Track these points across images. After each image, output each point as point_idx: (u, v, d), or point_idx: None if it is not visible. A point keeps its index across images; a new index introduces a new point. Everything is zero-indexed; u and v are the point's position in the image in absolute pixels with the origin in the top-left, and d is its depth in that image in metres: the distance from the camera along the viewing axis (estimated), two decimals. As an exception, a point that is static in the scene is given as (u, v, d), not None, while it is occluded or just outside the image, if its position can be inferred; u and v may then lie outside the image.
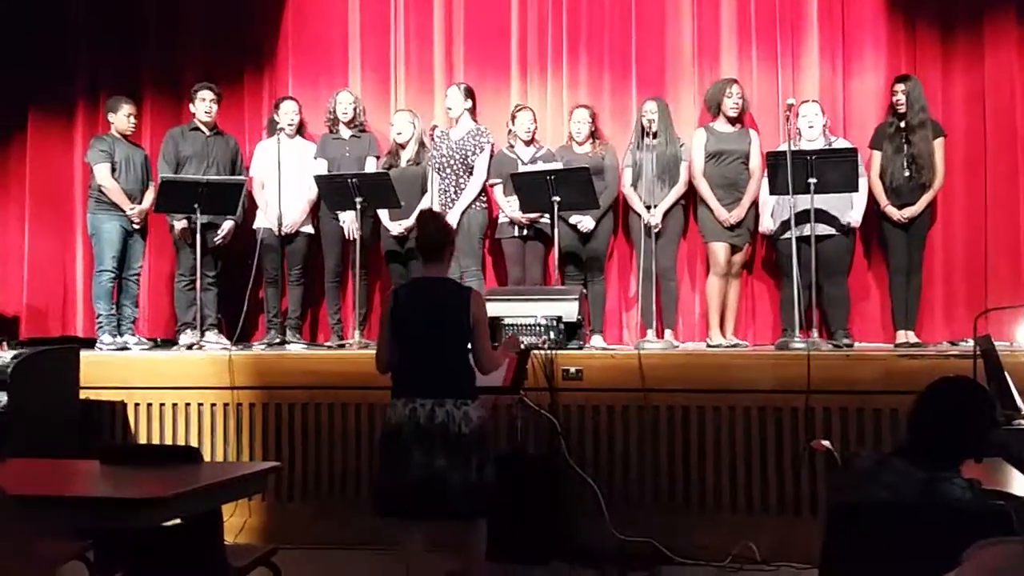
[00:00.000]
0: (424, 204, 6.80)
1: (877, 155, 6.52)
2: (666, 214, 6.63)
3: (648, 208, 6.49)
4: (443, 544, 4.42)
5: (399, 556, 4.31)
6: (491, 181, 6.89)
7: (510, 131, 6.96)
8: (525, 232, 6.77)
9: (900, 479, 2.67)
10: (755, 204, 6.66)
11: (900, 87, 6.46)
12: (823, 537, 2.68)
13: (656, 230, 6.51)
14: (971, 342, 4.73)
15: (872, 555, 2.57)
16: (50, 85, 8.03)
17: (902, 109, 6.43)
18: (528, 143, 6.91)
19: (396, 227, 6.89)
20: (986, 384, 4.39)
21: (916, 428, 2.77)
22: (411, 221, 6.80)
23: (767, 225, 6.57)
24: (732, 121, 6.74)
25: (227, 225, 7.10)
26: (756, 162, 6.62)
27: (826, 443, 4.39)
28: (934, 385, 2.82)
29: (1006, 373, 4.40)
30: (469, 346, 4.20)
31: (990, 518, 2.49)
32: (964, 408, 2.74)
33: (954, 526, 2.45)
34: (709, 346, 6.55)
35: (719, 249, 6.63)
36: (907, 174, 6.40)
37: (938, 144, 6.46)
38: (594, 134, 6.89)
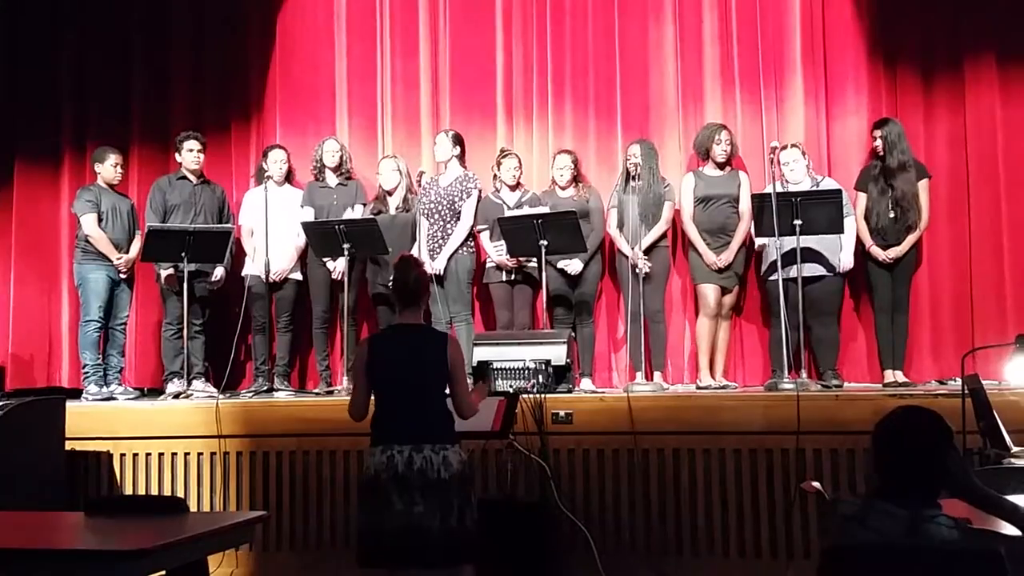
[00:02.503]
0: (414, 251, 6.81)
1: (863, 197, 6.57)
2: (652, 255, 6.64)
3: (634, 249, 6.50)
4: None
5: None
6: (478, 227, 6.92)
7: (495, 176, 7.00)
8: (513, 276, 6.78)
9: (884, 521, 2.64)
10: (743, 246, 6.69)
11: (878, 133, 6.54)
12: (815, 580, 2.65)
13: (646, 269, 6.52)
14: (959, 381, 4.72)
15: (864, 598, 2.54)
16: (36, 135, 8.06)
17: (882, 153, 6.50)
18: (513, 188, 6.94)
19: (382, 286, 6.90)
20: (976, 423, 4.39)
21: (880, 466, 2.73)
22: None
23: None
24: (721, 165, 6.79)
25: (219, 271, 7.09)
26: (745, 205, 6.65)
27: (816, 484, 4.37)
28: (885, 420, 2.76)
29: (995, 412, 4.40)
30: (447, 391, 4.17)
31: (981, 560, 2.47)
32: (918, 437, 2.70)
33: (944, 568, 2.43)
34: (699, 388, 6.54)
35: (709, 291, 6.65)
36: (892, 216, 6.44)
37: (922, 186, 6.52)
38: (577, 178, 6.93)
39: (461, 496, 4.05)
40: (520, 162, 7.01)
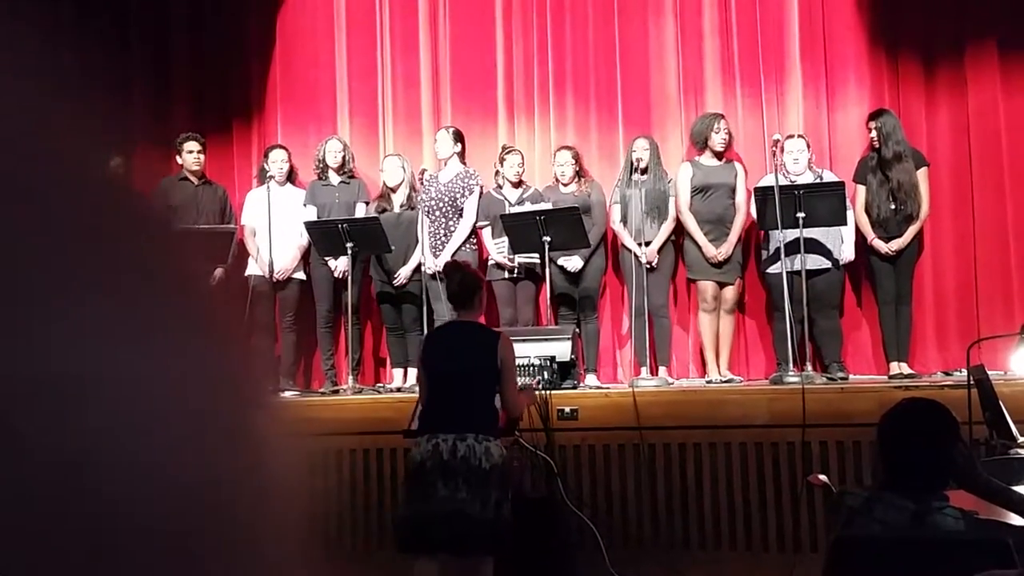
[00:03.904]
0: (418, 249, 6.83)
1: (862, 189, 6.56)
2: (659, 250, 6.65)
3: (640, 244, 6.50)
4: None
5: None
6: (479, 224, 6.92)
7: (498, 172, 6.99)
8: (516, 273, 6.78)
9: (891, 513, 2.64)
10: (740, 239, 6.68)
11: (872, 124, 6.52)
12: (823, 573, 2.65)
13: (651, 265, 6.54)
14: (964, 372, 4.71)
15: (871, 590, 2.55)
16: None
17: (877, 145, 6.49)
18: (516, 185, 6.94)
19: (381, 284, 6.96)
20: (982, 414, 4.39)
21: (887, 458, 2.73)
22: (411, 267, 6.89)
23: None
24: (718, 155, 6.78)
25: (218, 272, 7.08)
26: (742, 196, 6.65)
27: (823, 477, 4.37)
28: (890, 412, 2.77)
29: (1001, 402, 4.39)
30: (495, 387, 4.33)
31: (988, 550, 2.47)
32: (924, 429, 2.70)
33: (951, 558, 2.44)
34: (707, 383, 6.52)
35: (706, 286, 6.65)
36: (892, 206, 6.43)
37: (921, 174, 6.50)
38: (579, 173, 6.93)
39: (500, 488, 4.19)
40: (523, 158, 7.01)
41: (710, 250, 6.57)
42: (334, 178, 7.28)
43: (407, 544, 4.26)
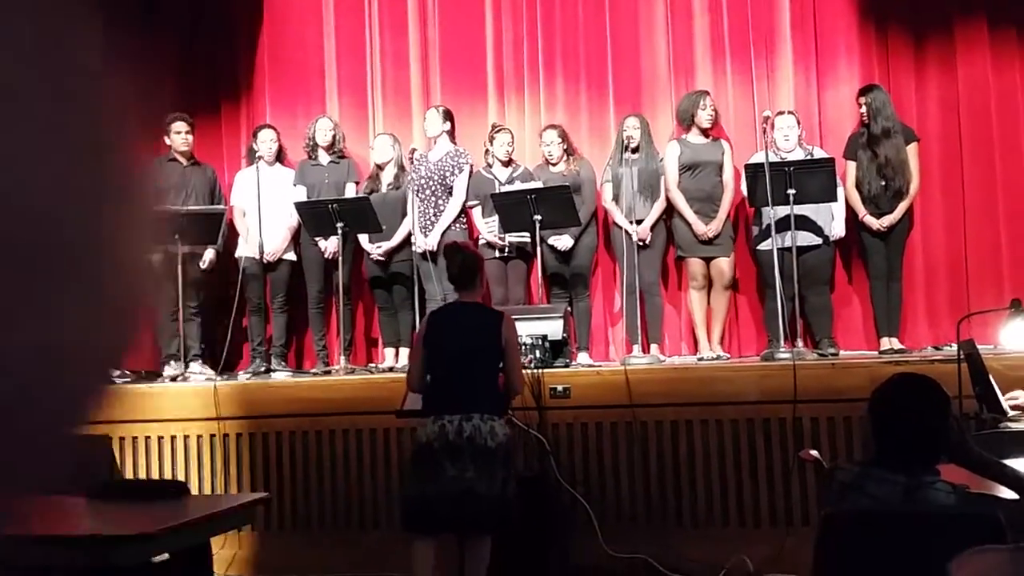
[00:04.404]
0: (404, 227, 6.81)
1: (852, 165, 6.56)
2: (650, 228, 6.65)
3: (632, 222, 6.50)
4: (447, 563, 4.43)
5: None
6: (469, 203, 6.90)
7: (487, 151, 6.97)
8: (507, 252, 6.77)
9: (882, 488, 2.66)
10: (729, 217, 6.69)
11: (863, 99, 6.52)
12: (814, 548, 2.67)
13: (643, 243, 6.54)
14: (955, 347, 4.74)
15: (863, 564, 2.57)
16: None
17: (867, 120, 6.49)
18: (506, 164, 6.92)
19: (374, 249, 6.90)
20: (972, 388, 4.41)
21: (878, 434, 2.74)
22: (392, 244, 6.83)
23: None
24: (705, 133, 6.78)
25: (209, 255, 7.08)
26: (729, 174, 6.65)
27: (814, 453, 4.39)
28: (881, 387, 2.78)
29: (991, 376, 4.42)
30: (499, 367, 4.38)
31: (979, 524, 2.49)
32: (915, 404, 2.71)
33: (943, 533, 2.45)
34: (699, 361, 6.53)
35: (695, 264, 6.66)
36: (882, 183, 6.44)
37: (911, 149, 6.51)
38: (567, 151, 6.91)
39: (505, 467, 4.26)
40: (513, 137, 6.99)
41: (699, 227, 6.57)
42: (323, 158, 7.25)
43: (414, 523, 4.30)
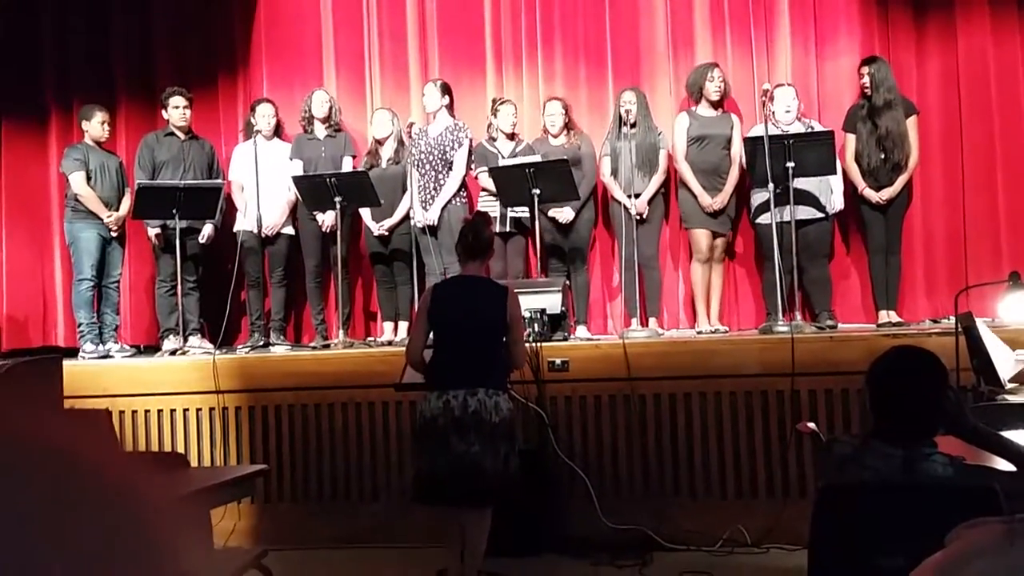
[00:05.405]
0: (404, 202, 6.79)
1: (851, 138, 6.55)
2: (648, 202, 6.64)
3: (630, 197, 6.49)
4: (448, 533, 4.46)
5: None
6: (476, 171, 6.87)
7: (491, 125, 6.94)
8: (507, 227, 6.75)
9: (880, 460, 2.66)
10: (735, 190, 6.67)
11: (865, 70, 6.50)
12: (811, 519, 2.68)
13: (642, 217, 6.53)
14: (953, 319, 4.74)
15: (859, 535, 2.58)
16: (20, 94, 7.96)
17: (869, 92, 6.47)
18: (510, 137, 6.90)
19: (376, 227, 6.88)
20: (970, 361, 4.42)
21: (875, 406, 2.74)
22: (394, 220, 6.82)
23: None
24: (714, 105, 6.75)
25: (207, 230, 7.07)
26: (737, 147, 6.63)
27: (812, 425, 4.42)
28: (879, 360, 2.77)
29: (988, 349, 4.42)
30: (503, 341, 4.39)
31: (976, 496, 2.49)
32: (913, 377, 2.71)
33: (940, 504, 2.46)
34: (699, 334, 6.54)
35: (701, 236, 6.64)
36: (882, 155, 6.43)
37: (911, 122, 6.49)
38: (568, 125, 6.89)
39: (508, 441, 4.29)
40: (516, 109, 6.96)
41: (705, 199, 6.55)
42: (320, 131, 7.22)
43: (423, 496, 4.35)
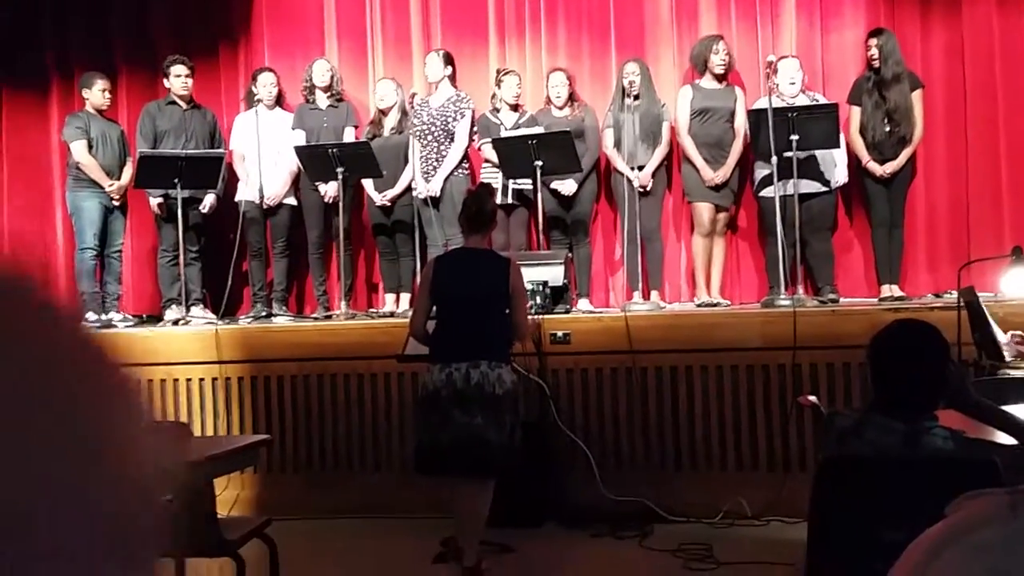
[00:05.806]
0: (407, 173, 6.78)
1: (856, 111, 6.52)
2: (651, 175, 6.62)
3: (633, 169, 6.47)
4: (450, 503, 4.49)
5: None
6: (479, 143, 6.85)
7: (494, 95, 6.91)
8: (510, 199, 6.74)
9: (880, 433, 2.67)
10: (738, 164, 6.65)
11: (873, 41, 6.46)
12: (811, 492, 2.69)
13: (644, 189, 6.52)
14: (955, 294, 4.74)
15: (859, 508, 2.59)
16: (20, 62, 7.93)
17: (876, 64, 6.43)
18: (514, 108, 6.87)
19: (380, 198, 6.86)
20: (971, 334, 4.43)
21: (877, 380, 2.74)
22: (397, 191, 6.80)
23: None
24: (718, 78, 6.71)
25: (209, 200, 7.05)
26: (741, 120, 6.60)
27: (813, 398, 4.42)
28: (881, 333, 2.76)
29: (991, 323, 4.42)
30: (506, 313, 4.38)
31: (977, 469, 2.50)
32: (914, 350, 2.71)
33: (940, 478, 2.47)
34: (698, 306, 6.55)
35: (703, 209, 6.63)
36: (887, 128, 6.40)
37: (916, 96, 6.46)
38: (572, 96, 6.85)
39: (512, 413, 4.31)
40: (520, 80, 6.93)
41: (708, 173, 6.53)
42: (322, 101, 7.19)
43: (425, 468, 4.36)
